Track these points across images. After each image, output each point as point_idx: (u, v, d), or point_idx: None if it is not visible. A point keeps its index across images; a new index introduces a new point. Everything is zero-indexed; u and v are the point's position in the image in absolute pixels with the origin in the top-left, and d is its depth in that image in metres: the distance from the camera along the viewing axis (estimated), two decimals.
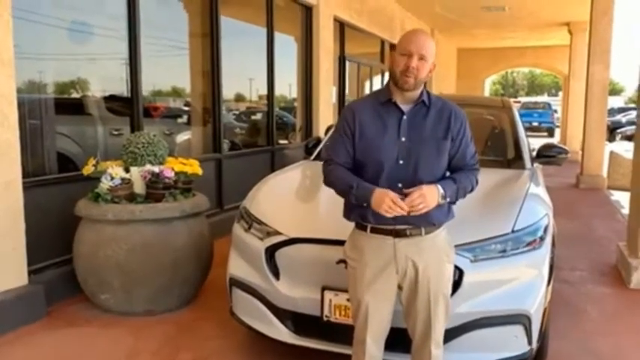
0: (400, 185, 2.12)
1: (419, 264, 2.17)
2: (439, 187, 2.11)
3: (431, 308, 2.20)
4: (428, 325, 2.22)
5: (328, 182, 2.27)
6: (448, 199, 2.15)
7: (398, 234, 2.16)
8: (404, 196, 2.06)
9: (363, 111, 2.23)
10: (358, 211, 2.20)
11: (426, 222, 2.16)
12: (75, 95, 5.04)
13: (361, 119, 2.21)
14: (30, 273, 3.69)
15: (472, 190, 2.28)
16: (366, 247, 2.21)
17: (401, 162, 2.15)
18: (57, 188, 4.06)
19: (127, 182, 3.71)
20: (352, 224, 2.30)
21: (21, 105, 3.65)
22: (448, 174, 2.25)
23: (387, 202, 2.02)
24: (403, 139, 2.16)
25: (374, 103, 2.24)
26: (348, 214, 2.28)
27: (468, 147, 2.26)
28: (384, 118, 2.20)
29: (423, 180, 2.13)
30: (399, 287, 2.22)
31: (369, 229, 2.20)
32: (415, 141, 2.16)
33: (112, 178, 3.65)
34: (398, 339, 2.36)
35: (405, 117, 2.18)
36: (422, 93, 2.20)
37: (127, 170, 3.78)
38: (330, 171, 2.24)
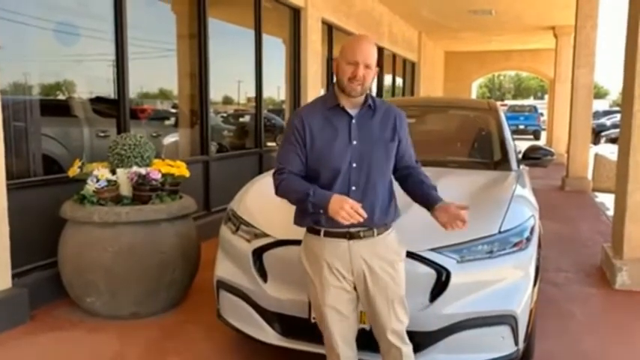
0: (354, 188, 2.16)
1: (373, 264, 2.20)
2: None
3: (389, 307, 2.22)
4: (389, 323, 2.24)
5: (281, 192, 2.22)
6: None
7: (352, 236, 2.18)
8: (358, 203, 2.06)
9: (312, 117, 2.23)
10: (312, 217, 2.19)
11: (379, 223, 2.21)
12: (61, 97, 4.99)
13: (311, 126, 2.21)
14: (14, 276, 3.64)
15: None
16: (320, 250, 2.22)
17: (354, 165, 2.17)
18: (42, 190, 4.02)
19: (113, 184, 3.68)
20: None
21: (5, 107, 3.61)
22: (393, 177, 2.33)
23: (345, 208, 2.01)
24: (355, 142, 2.19)
25: (322, 109, 2.25)
26: (300, 220, 2.28)
27: (410, 148, 2.36)
28: (334, 123, 2.21)
29: (375, 182, 2.18)
30: (355, 289, 2.24)
31: (322, 233, 2.21)
32: (366, 143, 2.20)
33: (98, 180, 3.62)
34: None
35: (353, 120, 2.21)
36: (367, 97, 2.24)
37: (113, 172, 3.75)
38: (283, 180, 2.19)
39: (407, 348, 2.28)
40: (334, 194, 2.08)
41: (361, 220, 2.04)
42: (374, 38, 11.83)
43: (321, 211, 2.10)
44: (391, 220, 2.27)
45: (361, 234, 2.18)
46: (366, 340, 2.39)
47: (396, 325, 2.24)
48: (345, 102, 2.22)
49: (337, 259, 2.20)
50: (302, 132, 2.20)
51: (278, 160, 2.28)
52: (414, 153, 2.40)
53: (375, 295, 2.21)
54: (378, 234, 2.22)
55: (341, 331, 2.26)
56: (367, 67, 2.15)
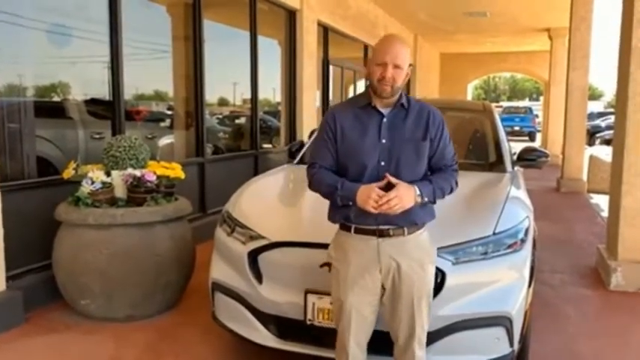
0: (383, 186, 2.14)
1: (402, 264, 2.19)
2: (415, 187, 2.14)
3: (414, 309, 2.21)
4: (411, 325, 2.23)
5: (313, 185, 2.29)
6: (426, 199, 2.18)
7: (381, 234, 2.18)
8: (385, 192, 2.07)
9: (344, 115, 2.27)
10: (342, 212, 2.22)
11: (409, 222, 2.19)
12: (56, 98, 4.98)
13: (342, 123, 2.24)
14: (8, 279, 3.62)
15: (451, 191, 2.31)
16: (350, 247, 2.23)
17: (382, 163, 2.18)
18: (36, 192, 4.00)
19: (107, 186, 3.67)
20: (335, 228, 2.31)
21: None
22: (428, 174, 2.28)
23: (373, 197, 2.05)
24: (384, 141, 2.19)
25: (354, 108, 2.28)
26: (332, 216, 2.29)
27: (446, 148, 2.30)
28: (365, 122, 2.23)
29: (404, 181, 2.14)
30: (382, 287, 2.23)
31: (352, 230, 2.22)
32: (395, 143, 2.19)
33: (93, 182, 3.61)
34: (380, 342, 2.36)
35: (384, 120, 2.22)
36: (400, 96, 2.24)
37: (108, 174, 3.74)
38: (314, 174, 2.27)
39: (422, 353, 2.27)
40: (361, 185, 2.11)
41: (390, 210, 2.05)
42: (371, 40, 11.88)
43: (350, 203, 2.12)
44: (422, 221, 2.25)
45: (391, 232, 2.18)
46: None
47: (417, 327, 2.23)
48: (377, 101, 2.22)
49: (366, 257, 2.20)
50: (333, 128, 2.24)
51: (311, 155, 2.36)
52: (450, 155, 2.31)
53: (400, 295, 2.21)
54: (409, 233, 2.20)
55: (356, 331, 2.24)
56: (397, 67, 2.14)
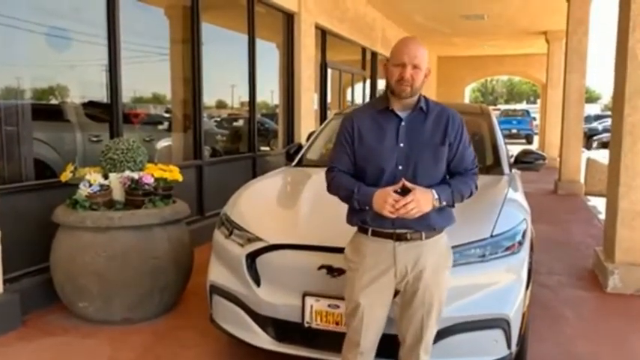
0: (399, 191, 2.14)
1: (418, 268, 2.19)
2: (433, 191, 2.13)
3: (425, 313, 2.21)
4: (420, 329, 2.23)
5: (332, 189, 2.29)
6: (444, 203, 2.16)
7: (398, 237, 2.18)
8: (401, 196, 2.07)
9: (362, 119, 2.27)
10: (359, 215, 2.22)
11: (427, 226, 2.18)
12: (53, 101, 4.97)
13: (360, 127, 2.24)
14: (5, 282, 3.61)
15: (471, 194, 2.29)
16: (367, 250, 2.23)
17: (400, 167, 2.17)
18: (34, 195, 4.00)
19: (105, 189, 3.67)
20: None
21: None
22: (447, 178, 2.27)
23: (389, 201, 2.05)
24: (402, 144, 2.19)
25: (372, 111, 2.28)
26: (350, 218, 2.30)
27: (466, 151, 2.28)
28: (383, 125, 2.22)
29: (421, 185, 2.14)
30: (397, 291, 2.24)
31: (369, 232, 2.22)
32: (413, 147, 2.19)
33: (91, 185, 3.61)
34: (386, 345, 2.36)
35: (403, 123, 2.21)
36: (419, 99, 2.23)
37: (105, 177, 3.74)
38: (333, 178, 2.27)
39: (427, 357, 2.28)
40: (377, 189, 2.10)
41: (407, 214, 2.05)
42: (368, 43, 11.90)
43: (367, 207, 2.12)
44: (441, 225, 2.24)
45: (408, 236, 2.18)
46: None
47: (425, 332, 2.23)
48: (395, 105, 2.22)
49: (382, 260, 2.20)
50: (351, 132, 2.25)
51: (330, 159, 2.34)
52: (471, 159, 2.29)
53: (413, 299, 2.21)
54: (427, 237, 2.19)
55: (367, 332, 2.24)
56: (415, 67, 2.15)
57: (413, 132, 2.20)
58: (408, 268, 2.19)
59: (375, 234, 2.21)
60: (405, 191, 2.10)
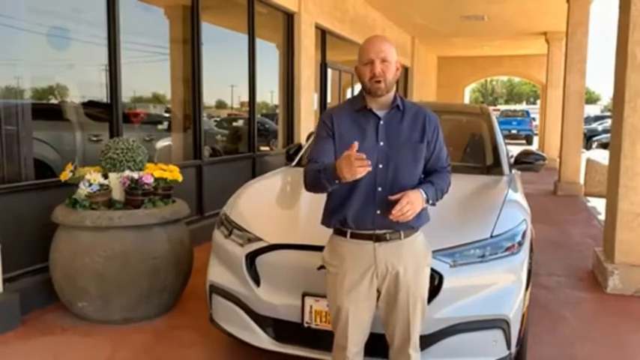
0: (380, 189, 2.15)
1: (398, 268, 2.19)
2: (421, 190, 2.14)
3: (409, 312, 2.21)
4: (407, 328, 2.23)
5: (307, 185, 2.21)
6: (430, 202, 2.18)
7: (378, 238, 2.18)
8: (390, 202, 2.06)
9: (341, 117, 2.26)
10: (337, 217, 2.21)
11: (405, 226, 2.18)
12: (53, 101, 4.97)
13: (340, 124, 2.23)
14: (5, 281, 3.61)
15: (446, 191, 2.32)
16: (346, 252, 2.22)
17: (380, 166, 2.17)
18: (33, 195, 4.00)
19: (105, 188, 3.66)
20: (331, 231, 2.31)
21: None
22: (422, 177, 2.28)
23: (354, 162, 1.89)
24: (381, 143, 2.19)
25: (350, 111, 2.27)
26: (327, 220, 2.28)
27: (442, 150, 2.32)
28: (362, 125, 2.22)
29: (402, 183, 2.15)
30: (378, 292, 2.23)
31: (348, 235, 2.21)
32: (393, 145, 2.19)
33: (90, 185, 3.60)
34: (376, 344, 2.37)
35: (381, 122, 2.21)
36: (395, 98, 2.24)
37: (105, 176, 3.74)
38: (305, 175, 2.20)
39: (417, 355, 2.28)
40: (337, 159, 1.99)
41: (404, 218, 2.04)
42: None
43: (337, 181, 2.00)
44: (418, 224, 2.24)
45: (387, 236, 2.17)
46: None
47: (412, 331, 2.23)
48: (372, 104, 2.22)
49: (362, 261, 2.19)
50: (331, 127, 2.22)
51: (309, 156, 2.27)
52: (445, 157, 2.33)
53: (395, 299, 2.21)
54: (405, 237, 2.20)
55: (353, 334, 2.24)
56: (384, 61, 2.15)
57: (391, 130, 2.21)
58: (388, 268, 2.19)
59: (354, 236, 2.20)
60: (391, 202, 2.08)
